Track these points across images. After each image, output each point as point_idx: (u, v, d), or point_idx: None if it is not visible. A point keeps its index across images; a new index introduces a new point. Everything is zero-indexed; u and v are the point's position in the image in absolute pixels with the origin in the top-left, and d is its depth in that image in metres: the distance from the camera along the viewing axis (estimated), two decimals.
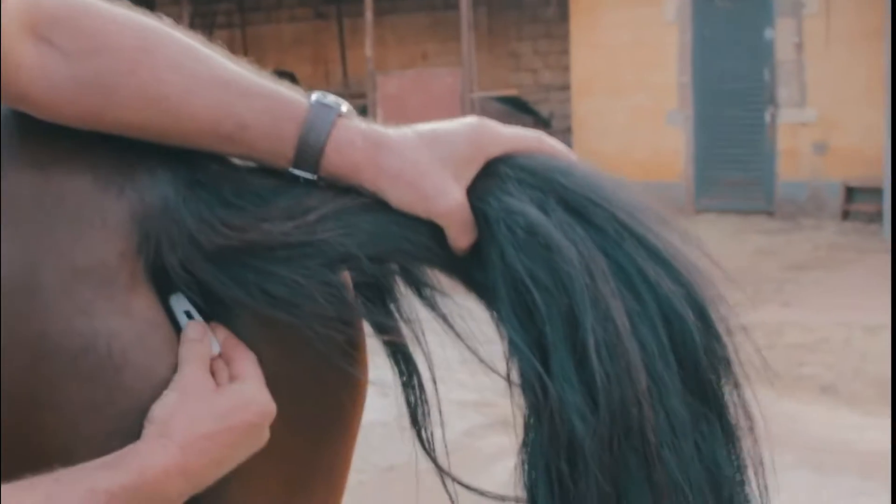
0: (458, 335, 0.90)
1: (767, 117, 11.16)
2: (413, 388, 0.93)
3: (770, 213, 11.04)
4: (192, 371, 0.81)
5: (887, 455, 3.34)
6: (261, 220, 0.84)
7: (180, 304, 0.83)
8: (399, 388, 0.93)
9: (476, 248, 0.87)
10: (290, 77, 0.98)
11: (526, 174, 0.87)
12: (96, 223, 0.80)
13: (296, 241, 0.83)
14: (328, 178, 0.87)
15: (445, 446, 0.96)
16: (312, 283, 0.83)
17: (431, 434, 0.95)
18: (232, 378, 0.83)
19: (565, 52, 13.04)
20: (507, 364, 0.86)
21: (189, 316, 0.83)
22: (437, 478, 0.95)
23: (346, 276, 0.87)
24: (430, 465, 0.96)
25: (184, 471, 0.77)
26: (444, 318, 0.90)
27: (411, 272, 0.89)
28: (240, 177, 0.87)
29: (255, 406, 0.82)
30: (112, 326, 0.79)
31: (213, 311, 0.85)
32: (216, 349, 0.83)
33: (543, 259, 0.83)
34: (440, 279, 0.91)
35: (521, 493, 0.87)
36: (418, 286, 0.90)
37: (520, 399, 0.86)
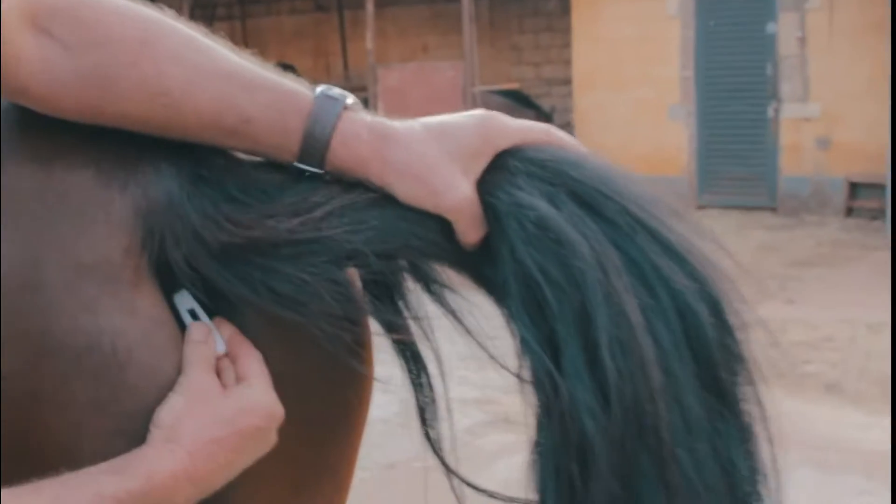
0: (468, 332, 0.89)
1: (770, 112, 11.13)
2: (422, 386, 0.92)
3: (773, 209, 11.02)
4: (197, 374, 0.80)
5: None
6: (266, 217, 0.82)
7: (185, 301, 0.82)
8: (408, 387, 0.92)
9: (485, 244, 0.86)
10: (291, 70, 0.97)
11: (535, 167, 0.86)
12: (100, 218, 0.79)
13: (302, 237, 0.82)
14: (334, 172, 0.85)
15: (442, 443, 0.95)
16: (319, 280, 0.82)
17: (439, 433, 0.94)
18: (238, 378, 0.82)
19: (567, 45, 13.01)
20: (518, 361, 0.85)
21: (193, 314, 0.82)
22: (438, 475, 0.94)
23: (353, 273, 0.86)
24: (432, 462, 0.95)
25: (191, 476, 0.76)
26: (454, 315, 0.89)
27: (420, 268, 0.88)
28: (244, 172, 0.86)
29: (263, 409, 0.81)
30: (117, 324, 0.78)
31: (218, 308, 0.83)
32: (221, 348, 0.82)
33: (554, 254, 0.82)
34: (449, 275, 0.89)
35: (530, 493, 0.85)
36: (427, 282, 0.88)
37: (530, 397, 0.84)
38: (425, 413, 0.93)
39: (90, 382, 0.77)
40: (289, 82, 0.86)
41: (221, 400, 0.79)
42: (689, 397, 0.81)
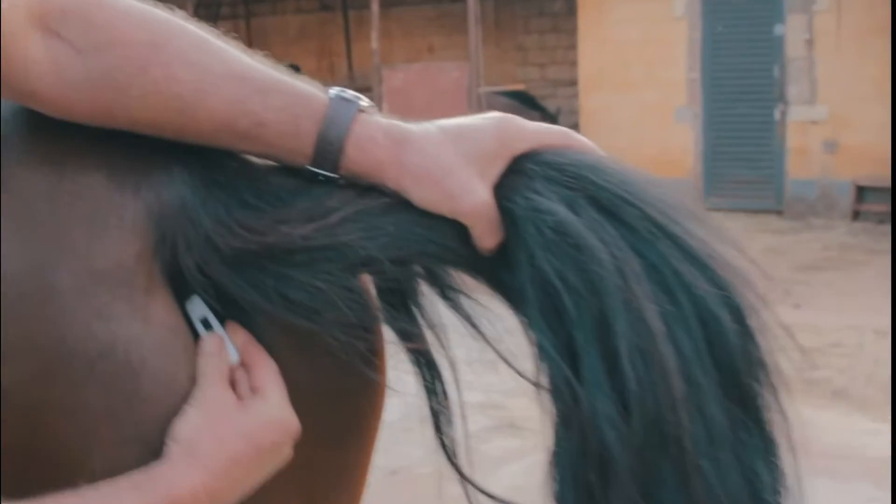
0: (485, 340, 0.88)
1: (777, 114, 11.11)
2: (437, 394, 0.91)
3: (779, 212, 11.01)
4: (213, 387, 0.79)
5: None
6: (280, 223, 0.81)
7: (197, 309, 0.81)
8: (421, 393, 0.91)
9: (503, 249, 0.85)
10: (294, 70, 0.96)
11: (554, 171, 0.84)
12: (112, 223, 0.78)
13: (316, 244, 0.81)
14: (348, 176, 0.84)
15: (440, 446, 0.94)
16: (333, 288, 0.81)
17: (454, 441, 0.92)
18: (253, 390, 0.81)
19: (573, 46, 13.01)
20: (535, 369, 0.84)
21: (206, 323, 0.81)
22: (441, 481, 0.93)
23: (365, 279, 0.85)
24: (432, 469, 0.94)
25: (210, 493, 0.75)
26: (471, 322, 0.88)
27: (435, 274, 0.87)
28: (258, 176, 0.85)
29: (280, 424, 0.80)
30: (130, 331, 0.77)
31: (230, 315, 0.82)
32: (234, 357, 0.81)
33: (573, 260, 0.81)
34: (464, 281, 0.88)
35: (547, 502, 0.84)
36: (442, 288, 0.87)
37: (547, 405, 0.83)
38: (439, 420, 0.92)
39: (103, 391, 0.76)
40: (302, 84, 0.85)
41: (239, 414, 0.79)
42: (711, 406, 0.79)
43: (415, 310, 0.88)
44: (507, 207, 0.83)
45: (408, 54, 15.33)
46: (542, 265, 0.81)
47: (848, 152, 10.66)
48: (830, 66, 10.63)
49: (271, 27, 16.64)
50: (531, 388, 0.85)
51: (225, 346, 0.81)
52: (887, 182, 9.83)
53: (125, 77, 0.80)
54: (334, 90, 0.86)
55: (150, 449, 0.76)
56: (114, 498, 0.72)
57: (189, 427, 0.77)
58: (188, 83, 0.81)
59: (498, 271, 0.86)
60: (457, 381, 0.92)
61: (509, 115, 0.87)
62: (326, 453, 0.88)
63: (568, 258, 0.81)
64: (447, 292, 0.88)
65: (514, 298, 0.85)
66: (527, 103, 12.77)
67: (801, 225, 10.60)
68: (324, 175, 0.84)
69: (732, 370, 0.81)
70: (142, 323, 0.77)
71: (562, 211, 0.82)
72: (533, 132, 0.87)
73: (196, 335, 0.81)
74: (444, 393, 0.92)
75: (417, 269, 0.86)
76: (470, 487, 0.92)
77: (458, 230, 0.84)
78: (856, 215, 10.62)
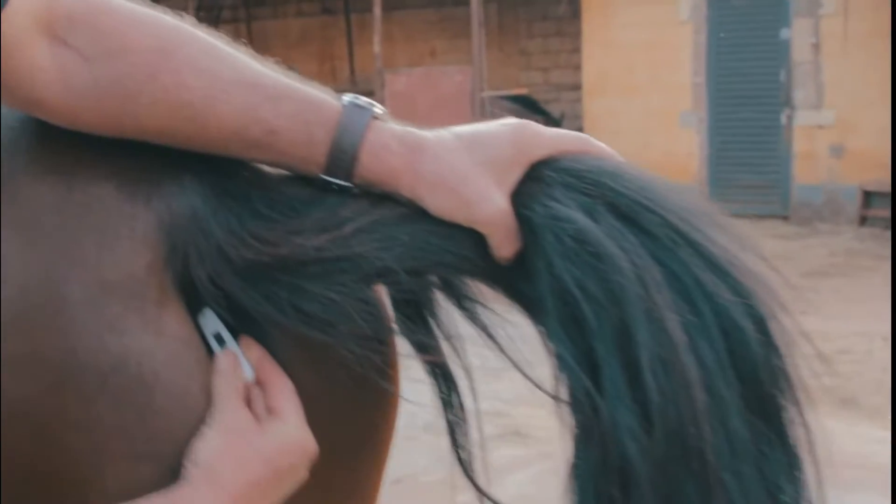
0: (502, 351, 0.87)
1: (783, 119, 11.11)
2: (453, 407, 0.90)
3: (785, 218, 11.00)
4: (230, 408, 0.78)
5: None
6: (293, 233, 0.80)
7: (210, 323, 0.80)
8: (439, 406, 0.90)
9: (520, 258, 0.84)
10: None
11: (572, 178, 0.83)
12: (123, 233, 0.77)
13: (330, 255, 0.80)
14: (362, 184, 0.83)
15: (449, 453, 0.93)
16: (348, 300, 0.80)
17: (470, 453, 0.92)
18: (270, 411, 0.80)
19: (576, 50, 13.01)
20: (554, 380, 0.82)
21: (219, 339, 0.80)
22: (443, 492, 0.93)
23: (379, 290, 0.84)
24: (436, 477, 0.93)
25: None
26: (487, 333, 0.86)
27: (452, 284, 0.86)
28: (270, 185, 0.84)
29: (299, 447, 0.79)
30: (143, 344, 0.76)
31: (243, 327, 0.81)
32: (249, 374, 0.80)
33: (593, 269, 0.80)
34: (481, 290, 0.87)
35: None
36: (459, 298, 0.86)
37: (567, 417, 0.82)
38: (456, 432, 0.91)
39: (115, 405, 0.75)
40: (315, 91, 0.84)
41: (258, 437, 0.78)
42: (734, 419, 0.78)
43: (431, 321, 0.86)
44: (525, 215, 0.82)
45: (410, 58, 15.33)
46: (562, 274, 0.80)
47: (854, 157, 10.65)
48: (837, 71, 10.63)
49: (272, 31, 16.65)
50: (536, 396, 0.84)
51: (240, 363, 0.80)
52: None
53: (134, 84, 0.79)
54: (347, 97, 0.85)
55: (164, 465, 0.75)
56: None
57: (209, 450, 0.76)
58: (198, 90, 0.80)
59: (516, 281, 0.85)
60: (474, 391, 0.91)
61: (526, 122, 0.86)
62: (341, 467, 0.87)
63: (587, 267, 0.80)
64: (463, 302, 0.87)
65: (532, 308, 0.84)
66: (530, 108, 12.78)
67: (808, 230, 10.59)
68: (337, 184, 0.83)
69: (755, 381, 0.80)
70: (154, 335, 0.76)
71: (581, 218, 0.81)
72: (550, 138, 0.86)
73: (208, 348, 0.80)
74: (461, 405, 0.91)
75: (433, 279, 0.85)
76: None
77: (475, 239, 0.83)
78: (863, 220, 10.61)
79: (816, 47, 10.80)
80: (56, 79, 0.78)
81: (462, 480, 0.92)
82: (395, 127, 0.84)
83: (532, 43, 15.09)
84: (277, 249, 0.80)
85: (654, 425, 0.77)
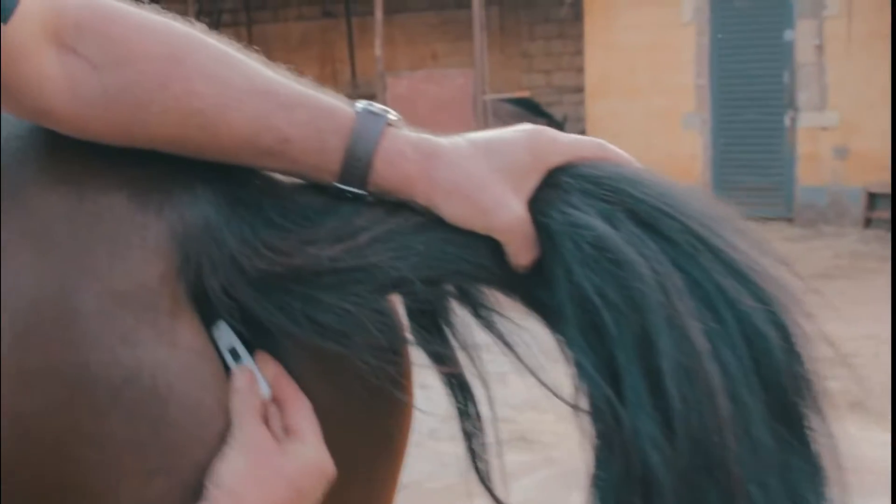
0: (520, 360, 0.86)
1: (787, 121, 11.11)
2: (470, 417, 0.89)
3: (789, 220, 10.99)
4: (251, 428, 0.77)
5: None
6: (307, 243, 0.80)
7: (224, 337, 0.79)
8: (456, 417, 0.89)
9: (538, 266, 0.83)
10: None
11: (591, 184, 0.83)
12: (135, 243, 0.76)
13: (345, 265, 0.79)
14: (377, 192, 0.82)
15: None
16: (363, 310, 0.79)
17: (487, 464, 0.91)
18: (289, 431, 0.79)
19: (579, 52, 13.01)
20: (574, 389, 0.82)
21: (235, 353, 0.79)
22: (448, 498, 0.92)
23: (393, 299, 0.83)
24: (441, 484, 0.93)
25: None
26: (505, 342, 0.86)
27: (468, 293, 0.85)
28: (283, 194, 0.83)
29: (319, 469, 0.79)
30: (156, 356, 0.75)
31: (256, 338, 0.80)
32: (266, 391, 0.80)
33: (613, 276, 0.79)
34: (497, 299, 0.87)
35: None
36: (475, 307, 0.86)
37: (587, 427, 0.81)
38: (473, 445, 0.90)
39: (129, 419, 0.74)
40: (327, 98, 0.83)
41: (280, 459, 0.78)
42: (758, 428, 0.78)
43: (446, 330, 0.86)
44: (543, 222, 0.82)
45: (411, 61, 15.33)
46: (581, 281, 0.79)
47: (859, 159, 10.65)
48: (841, 72, 10.63)
49: (273, 34, 16.65)
50: (542, 401, 0.83)
51: (257, 380, 0.80)
52: None
53: (144, 93, 0.78)
54: (361, 103, 0.84)
55: (178, 478, 0.75)
56: None
57: (231, 472, 0.75)
58: (209, 98, 0.79)
59: (534, 289, 0.84)
60: (490, 400, 0.90)
61: (542, 127, 0.85)
62: (356, 482, 0.86)
63: (607, 274, 0.79)
64: (479, 311, 0.86)
65: (550, 316, 0.84)
66: (532, 110, 12.78)
67: (812, 233, 10.58)
68: (351, 192, 0.82)
69: (779, 390, 0.79)
70: (168, 347, 0.75)
71: (600, 225, 0.80)
72: (567, 144, 0.85)
73: (222, 360, 0.80)
74: (478, 414, 0.90)
75: (449, 288, 0.85)
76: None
77: (492, 247, 0.82)
78: (867, 223, 10.61)
79: (820, 49, 10.79)
80: (65, 87, 0.78)
81: (469, 487, 0.92)
82: (410, 134, 0.83)
83: (534, 45, 15.09)
84: (291, 259, 0.79)
85: (676, 434, 0.76)
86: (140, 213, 0.78)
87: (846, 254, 9.49)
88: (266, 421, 0.79)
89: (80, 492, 0.73)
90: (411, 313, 0.85)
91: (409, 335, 0.86)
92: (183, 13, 0.85)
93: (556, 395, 0.86)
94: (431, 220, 0.82)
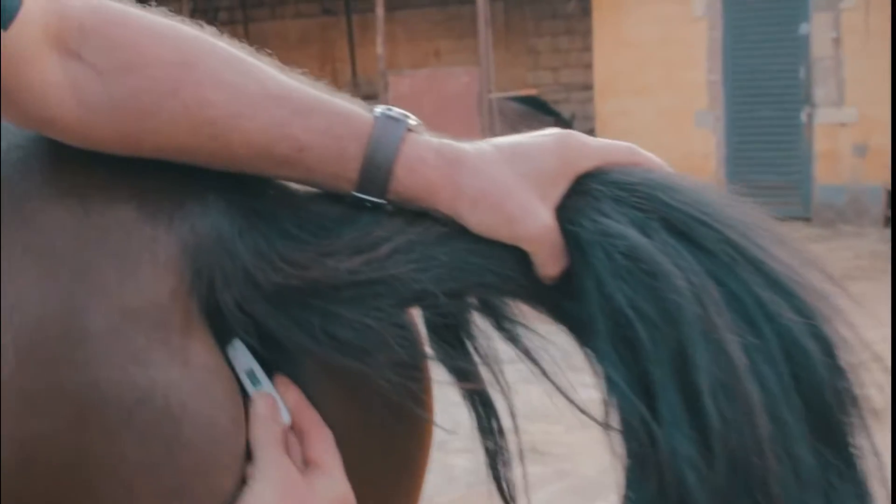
0: (545, 374, 0.85)
1: (803, 117, 11.10)
2: (493, 433, 0.88)
3: (807, 220, 10.98)
4: (277, 460, 0.77)
5: None
6: (325, 255, 0.79)
7: (241, 358, 0.78)
8: (478, 434, 0.88)
9: (567, 277, 0.82)
10: None
11: (623, 191, 0.81)
12: (145, 258, 0.75)
13: (365, 278, 0.78)
14: (397, 201, 0.81)
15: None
16: (385, 326, 0.78)
17: (511, 483, 0.90)
18: (311, 463, 0.79)
19: (587, 49, 13.02)
20: (604, 407, 0.80)
21: (252, 376, 0.78)
22: None
23: (411, 312, 0.82)
24: (448, 498, 0.92)
25: None
26: (530, 356, 0.85)
27: (492, 305, 0.84)
28: (299, 204, 0.82)
29: (342, 502, 0.78)
30: (169, 375, 0.74)
31: (272, 355, 0.79)
32: (287, 418, 0.79)
33: (647, 287, 0.78)
34: (522, 311, 0.86)
35: None
36: (499, 320, 0.84)
37: (619, 447, 0.80)
38: (496, 463, 0.89)
39: (141, 440, 0.73)
40: (344, 103, 0.82)
41: (308, 493, 0.77)
42: (800, 448, 0.76)
43: (469, 344, 0.85)
44: (573, 231, 0.81)
45: (414, 59, 15.35)
46: (613, 293, 0.78)
47: (878, 156, 10.63)
48: (859, 66, 10.62)
49: (271, 32, 16.67)
50: (552, 411, 0.82)
51: (278, 407, 0.79)
52: None
53: (153, 100, 0.77)
54: (380, 108, 0.83)
55: (192, 501, 0.74)
56: None
57: None
58: (221, 106, 0.78)
59: (562, 301, 0.83)
60: (514, 415, 0.89)
61: (570, 131, 0.84)
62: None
63: (641, 286, 0.78)
64: (503, 323, 0.85)
65: (580, 330, 0.82)
66: (540, 109, 12.79)
67: (831, 233, 10.56)
68: (370, 201, 0.81)
69: (821, 407, 0.78)
70: (181, 366, 0.75)
71: (633, 234, 0.79)
72: (597, 149, 0.84)
73: (237, 378, 0.79)
74: (501, 431, 0.89)
75: (472, 300, 0.83)
76: None
77: (518, 257, 0.81)
78: (887, 221, 10.59)
79: (837, 42, 10.78)
80: (68, 95, 0.76)
81: (476, 501, 0.91)
82: (432, 139, 0.82)
83: (541, 42, 15.10)
84: (308, 272, 0.78)
85: (714, 454, 0.75)
86: (149, 225, 0.77)
87: (866, 254, 9.48)
88: (287, 450, 0.78)
89: None
90: (432, 327, 0.84)
91: (429, 350, 0.85)
92: (177, 12, 0.84)
93: (584, 412, 0.85)
94: (454, 230, 0.81)
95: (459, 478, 4.04)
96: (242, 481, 0.77)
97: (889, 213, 10.59)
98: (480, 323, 0.86)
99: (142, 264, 0.75)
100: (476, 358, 0.85)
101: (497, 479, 0.90)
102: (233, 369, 0.78)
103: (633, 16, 11.76)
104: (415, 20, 15.77)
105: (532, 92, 13.47)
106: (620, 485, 0.81)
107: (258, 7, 16.97)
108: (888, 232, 10.38)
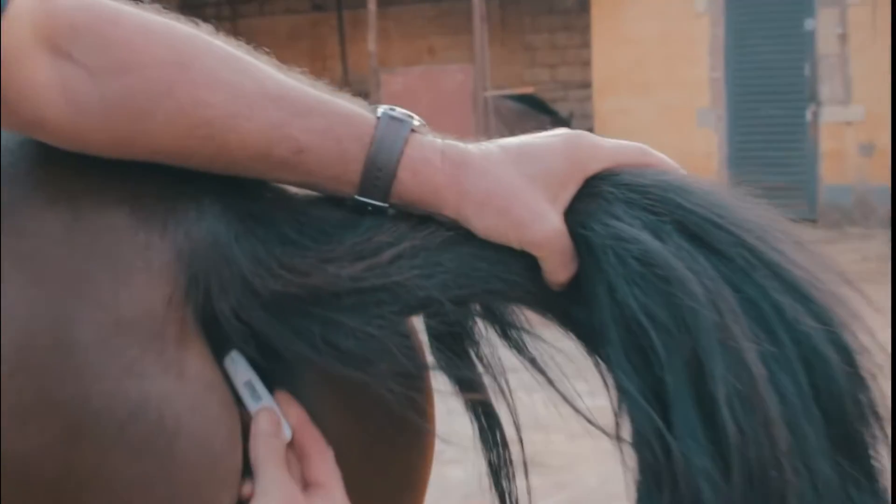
0: (551, 384, 0.84)
1: (809, 116, 11.13)
2: (496, 446, 0.87)
3: (813, 221, 11.01)
4: (280, 479, 0.76)
5: None
6: (325, 262, 0.78)
7: (240, 370, 0.78)
8: (481, 447, 0.88)
9: (576, 283, 0.81)
10: None
11: (635, 194, 0.81)
12: (138, 265, 0.75)
13: (367, 285, 0.78)
14: (400, 204, 0.81)
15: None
16: (388, 334, 0.78)
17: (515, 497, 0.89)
18: (313, 483, 0.78)
19: (585, 45, 13.04)
20: (616, 417, 0.80)
21: (251, 388, 0.78)
22: None
23: (412, 320, 0.82)
24: None
25: None
26: (536, 365, 0.84)
27: (497, 313, 0.83)
28: (299, 208, 0.81)
29: None
30: (163, 388, 0.73)
31: (270, 364, 0.79)
32: (288, 434, 0.79)
33: (661, 293, 0.77)
34: (529, 318, 0.85)
35: None
36: (504, 327, 0.84)
37: (631, 458, 0.79)
38: (499, 476, 0.89)
39: (134, 455, 0.73)
40: (345, 103, 0.81)
41: None
42: (819, 460, 0.76)
43: (473, 353, 0.84)
44: (583, 235, 0.80)
45: (407, 57, 15.36)
46: (626, 300, 0.78)
47: (886, 155, 10.65)
48: (866, 63, 10.64)
49: (259, 29, 16.67)
50: (551, 421, 0.82)
51: (280, 424, 0.79)
52: None
53: (147, 101, 0.76)
54: (382, 108, 0.82)
55: None
56: None
57: None
58: (218, 106, 0.77)
59: (572, 308, 0.82)
60: (518, 427, 0.89)
61: (580, 132, 0.84)
62: None
63: (655, 291, 0.77)
64: (508, 331, 0.85)
65: (590, 338, 0.82)
66: (537, 107, 12.81)
67: (837, 234, 10.59)
68: (373, 205, 0.80)
69: (841, 418, 0.78)
70: (175, 378, 0.74)
71: (646, 238, 0.78)
72: (607, 150, 0.83)
73: (234, 391, 0.78)
74: (504, 443, 0.88)
75: (477, 307, 0.83)
76: None
77: (526, 263, 0.81)
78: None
79: (843, 38, 10.81)
80: (59, 96, 0.76)
81: None
82: (436, 140, 0.82)
83: (537, 38, 15.12)
84: (308, 279, 0.77)
85: (731, 467, 0.74)
86: (142, 231, 0.76)
87: (874, 256, 9.49)
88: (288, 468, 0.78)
89: None
90: (436, 335, 0.83)
91: (432, 359, 0.84)
92: (165, 8, 0.83)
93: (594, 424, 0.84)
94: (460, 234, 0.81)
95: (454, 489, 4.04)
96: (239, 497, 0.76)
97: None
98: (483, 331, 0.85)
99: (135, 272, 0.75)
100: (479, 367, 0.85)
101: (500, 492, 0.89)
102: (230, 381, 0.78)
103: (632, 11, 11.78)
104: (408, 16, 15.78)
105: (529, 90, 13.48)
106: (631, 497, 0.80)
107: (246, 2, 16.99)
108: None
